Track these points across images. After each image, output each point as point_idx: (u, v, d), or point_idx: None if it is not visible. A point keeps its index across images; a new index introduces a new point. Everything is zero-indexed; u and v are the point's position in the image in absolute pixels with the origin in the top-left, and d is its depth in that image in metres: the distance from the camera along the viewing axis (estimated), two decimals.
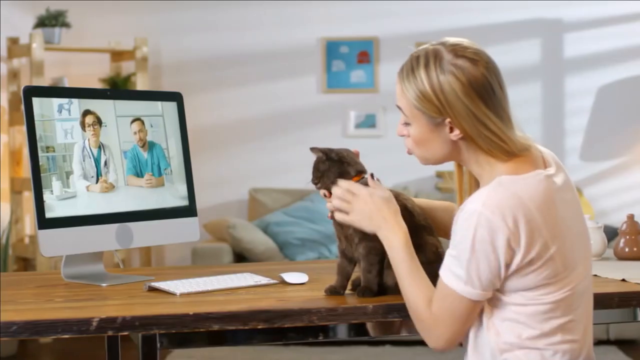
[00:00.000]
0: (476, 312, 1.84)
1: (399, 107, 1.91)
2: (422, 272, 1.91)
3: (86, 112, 2.41)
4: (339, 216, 1.99)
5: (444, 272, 1.84)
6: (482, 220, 1.76)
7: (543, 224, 1.79)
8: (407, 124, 1.92)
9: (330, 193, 2.05)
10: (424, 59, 1.84)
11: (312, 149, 2.08)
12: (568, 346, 1.85)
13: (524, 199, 1.78)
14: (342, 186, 1.99)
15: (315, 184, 2.09)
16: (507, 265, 1.79)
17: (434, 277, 1.92)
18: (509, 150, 1.84)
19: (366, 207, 1.96)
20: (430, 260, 2.02)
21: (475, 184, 1.96)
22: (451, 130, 1.85)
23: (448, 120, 1.84)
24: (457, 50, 1.84)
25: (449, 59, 1.83)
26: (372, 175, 2.02)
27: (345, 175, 2.06)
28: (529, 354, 1.83)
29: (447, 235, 2.06)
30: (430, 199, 2.25)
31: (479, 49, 1.86)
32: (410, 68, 1.86)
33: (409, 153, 1.97)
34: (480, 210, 1.77)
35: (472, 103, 1.81)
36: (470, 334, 1.89)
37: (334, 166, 2.07)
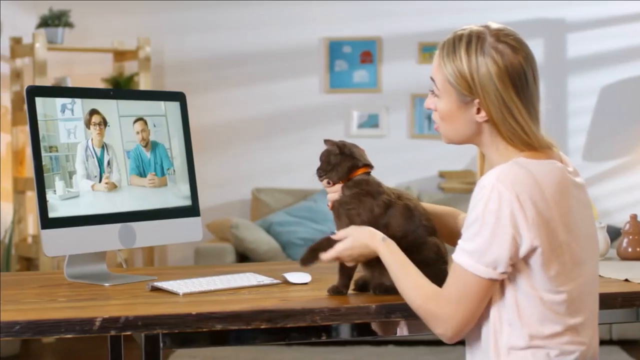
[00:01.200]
0: (487, 294, 1.82)
1: (432, 80, 1.93)
2: (419, 272, 1.92)
3: (93, 111, 2.42)
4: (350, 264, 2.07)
5: (456, 252, 1.84)
6: (494, 193, 1.78)
7: (555, 208, 1.80)
8: (435, 96, 1.93)
9: (334, 182, 2.08)
10: (467, 39, 1.87)
11: (327, 141, 2.11)
12: (575, 347, 1.85)
13: (538, 180, 1.79)
14: (327, 258, 2.03)
15: (321, 175, 2.09)
16: (517, 244, 1.78)
17: (434, 277, 1.92)
18: (530, 143, 1.86)
19: (357, 248, 2.00)
20: (430, 260, 2.02)
21: None
22: (478, 111, 1.87)
23: (477, 100, 1.86)
24: (500, 35, 1.86)
25: (491, 41, 1.85)
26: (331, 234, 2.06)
27: (354, 169, 2.07)
28: (535, 354, 1.83)
29: (452, 241, 2.07)
30: (433, 199, 2.26)
31: (521, 38, 1.89)
32: (452, 45, 1.88)
33: (436, 129, 1.98)
34: (493, 183, 1.78)
35: (504, 88, 1.84)
36: (476, 332, 1.89)
37: (345, 160, 2.08)
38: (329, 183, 2.09)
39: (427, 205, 2.18)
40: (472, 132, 1.91)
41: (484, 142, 1.92)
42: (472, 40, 1.86)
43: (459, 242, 1.84)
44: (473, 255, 1.80)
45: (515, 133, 1.85)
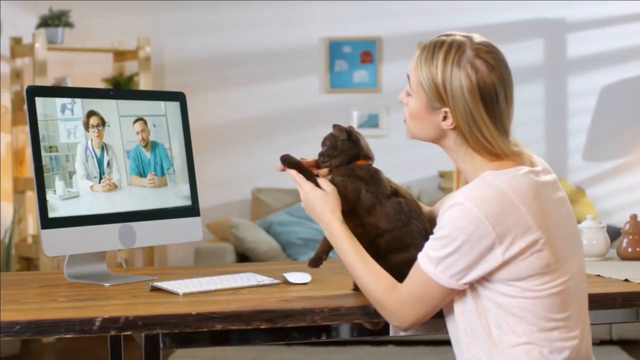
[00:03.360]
0: (445, 300, 1.87)
1: (408, 77, 1.95)
2: (374, 262, 1.95)
3: (90, 113, 2.42)
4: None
5: (420, 254, 1.87)
6: (463, 212, 1.80)
7: (528, 214, 1.81)
8: (409, 94, 1.96)
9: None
10: (447, 47, 1.88)
11: (335, 126, 2.12)
12: (566, 343, 1.86)
13: (507, 192, 1.81)
14: (291, 176, 2.07)
15: (324, 161, 2.09)
16: (486, 259, 1.81)
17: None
18: (496, 153, 1.88)
19: (305, 201, 2.06)
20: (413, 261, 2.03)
21: None
22: (444, 119, 1.89)
23: (445, 109, 1.88)
24: (480, 51, 1.87)
25: (469, 55, 1.86)
26: (317, 174, 2.08)
27: (356, 158, 2.09)
28: (529, 351, 1.84)
29: None
30: (434, 199, 2.28)
31: (500, 57, 1.89)
32: (432, 50, 1.89)
33: (404, 122, 2.01)
34: (462, 201, 1.81)
35: (473, 103, 1.85)
36: (467, 331, 1.89)
37: (352, 148, 2.09)
38: (330, 170, 2.09)
39: (425, 207, 2.18)
40: (436, 135, 1.94)
41: (448, 147, 1.94)
42: (451, 50, 1.87)
43: (425, 246, 1.87)
44: (438, 264, 1.83)
45: (481, 145, 1.88)
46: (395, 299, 1.89)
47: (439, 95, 1.87)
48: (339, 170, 2.08)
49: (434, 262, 1.84)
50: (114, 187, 2.44)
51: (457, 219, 1.81)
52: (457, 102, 1.86)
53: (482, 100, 1.85)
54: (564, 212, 1.91)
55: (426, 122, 1.93)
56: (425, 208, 2.17)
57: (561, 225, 1.88)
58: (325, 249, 2.11)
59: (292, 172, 2.07)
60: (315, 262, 2.12)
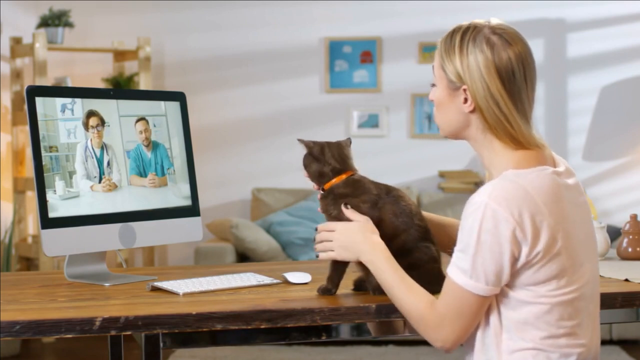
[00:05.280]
0: (483, 308, 1.83)
1: (432, 69, 1.96)
2: (412, 280, 1.93)
3: (90, 114, 2.42)
4: (323, 256, 2.06)
5: (450, 268, 1.84)
6: (488, 212, 1.77)
7: (550, 216, 1.79)
8: (434, 85, 1.96)
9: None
10: (464, 29, 1.89)
11: (300, 141, 2.13)
12: (575, 350, 1.84)
13: (530, 192, 1.79)
14: (319, 228, 2.06)
15: (322, 188, 2.10)
16: (515, 259, 1.79)
17: (425, 277, 1.94)
18: (515, 137, 1.86)
19: (343, 240, 2.02)
20: (421, 262, 2.02)
21: None
22: (465, 101, 1.88)
23: (464, 87, 1.87)
24: (496, 29, 1.88)
25: (486, 33, 1.87)
26: (345, 205, 2.05)
27: (336, 174, 2.07)
28: (536, 356, 1.83)
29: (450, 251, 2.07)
30: (434, 199, 2.26)
31: (518, 36, 1.89)
32: (451, 35, 1.91)
33: (435, 120, 2.00)
34: (486, 201, 1.78)
35: (490, 78, 1.85)
36: (477, 334, 1.88)
37: (324, 166, 2.08)
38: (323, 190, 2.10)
39: (428, 214, 2.17)
40: (461, 123, 1.91)
41: (473, 136, 1.92)
42: (468, 31, 1.89)
43: (453, 257, 1.84)
44: (470, 273, 1.80)
45: (501, 125, 1.85)
46: (432, 319, 1.85)
47: (456, 73, 1.87)
48: (324, 202, 2.08)
49: (467, 273, 1.80)
50: (114, 187, 2.44)
51: (482, 221, 1.77)
52: (474, 77, 1.85)
53: (498, 75, 1.84)
54: (584, 217, 1.89)
55: (450, 108, 1.91)
56: (428, 215, 2.16)
57: (579, 230, 1.86)
58: (340, 275, 2.08)
59: (322, 226, 2.07)
60: (330, 291, 2.09)
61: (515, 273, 1.81)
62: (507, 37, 1.87)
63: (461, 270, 1.81)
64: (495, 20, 1.91)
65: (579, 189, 1.91)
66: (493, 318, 1.85)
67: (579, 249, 1.85)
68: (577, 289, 1.84)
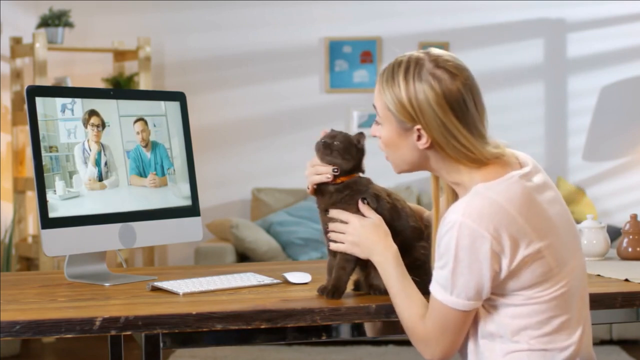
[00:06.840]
0: (468, 321, 1.85)
1: (374, 107, 1.93)
2: (415, 289, 1.93)
3: (92, 113, 2.42)
4: (334, 246, 2.04)
5: (432, 285, 1.85)
6: (463, 230, 1.77)
7: (526, 224, 1.79)
8: (378, 124, 1.94)
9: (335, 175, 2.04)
10: (405, 65, 1.86)
11: (357, 134, 2.11)
12: (567, 342, 1.85)
13: (502, 204, 1.79)
14: (335, 216, 2.03)
15: (336, 157, 2.05)
16: (496, 272, 1.79)
17: (424, 276, 1.94)
18: (477, 159, 1.85)
19: (356, 236, 2.00)
20: (420, 263, 2.02)
21: (453, 194, 1.96)
22: (419, 138, 1.86)
23: (417, 127, 1.85)
24: (439, 62, 1.85)
25: (429, 68, 1.84)
26: (362, 200, 2.04)
27: (357, 169, 2.06)
28: (530, 356, 1.83)
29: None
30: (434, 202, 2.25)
31: (461, 64, 1.87)
32: (391, 72, 1.88)
33: (386, 159, 1.97)
34: (461, 220, 1.77)
35: (443, 114, 1.82)
36: (470, 337, 1.89)
37: (357, 159, 2.07)
38: (335, 171, 2.04)
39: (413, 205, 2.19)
40: (417, 159, 1.91)
41: (433, 167, 1.92)
42: (410, 67, 1.85)
43: (434, 274, 1.84)
44: (450, 289, 1.80)
45: (460, 153, 1.85)
46: (421, 332, 1.87)
47: (407, 114, 1.84)
48: (339, 195, 2.04)
49: (447, 290, 1.81)
50: (114, 187, 2.44)
51: (459, 239, 1.77)
52: (427, 116, 1.83)
53: (450, 108, 1.82)
54: (558, 211, 1.88)
55: (402, 147, 1.90)
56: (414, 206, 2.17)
57: (558, 226, 1.86)
58: (347, 276, 2.05)
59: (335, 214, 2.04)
60: (334, 295, 2.05)
61: (501, 283, 1.82)
62: (451, 68, 1.84)
63: (442, 287, 1.82)
64: (434, 51, 1.88)
65: (547, 184, 1.90)
66: (486, 324, 1.86)
67: (563, 245, 1.85)
68: (564, 284, 1.84)
